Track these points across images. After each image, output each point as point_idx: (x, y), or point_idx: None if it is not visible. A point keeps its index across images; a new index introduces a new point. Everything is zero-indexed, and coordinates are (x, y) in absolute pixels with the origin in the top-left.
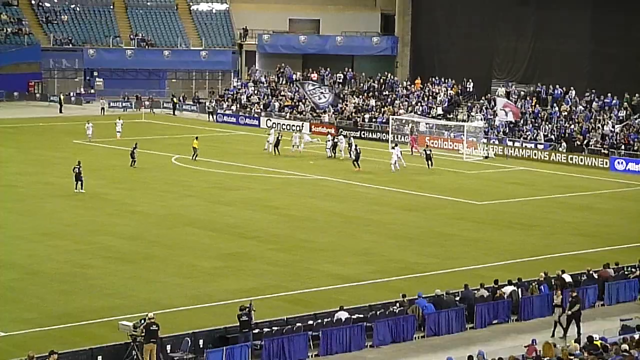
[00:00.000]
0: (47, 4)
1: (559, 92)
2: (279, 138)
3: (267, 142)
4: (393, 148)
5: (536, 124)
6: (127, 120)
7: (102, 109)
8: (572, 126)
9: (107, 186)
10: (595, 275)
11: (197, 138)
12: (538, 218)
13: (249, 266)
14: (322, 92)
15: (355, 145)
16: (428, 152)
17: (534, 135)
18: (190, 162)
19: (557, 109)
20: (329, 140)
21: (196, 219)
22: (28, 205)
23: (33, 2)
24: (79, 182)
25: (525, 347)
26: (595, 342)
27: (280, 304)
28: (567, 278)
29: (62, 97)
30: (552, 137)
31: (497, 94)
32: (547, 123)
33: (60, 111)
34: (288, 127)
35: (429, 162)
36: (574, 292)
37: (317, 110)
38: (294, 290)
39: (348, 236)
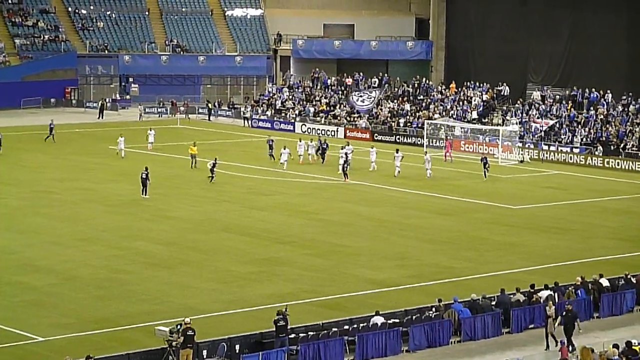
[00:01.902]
0: (84, 11)
1: (595, 96)
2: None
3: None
4: (425, 154)
5: (572, 128)
6: (163, 126)
7: (140, 115)
8: (609, 129)
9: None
10: (634, 280)
11: (194, 144)
12: (574, 222)
13: (284, 271)
14: (366, 97)
15: (345, 154)
16: (485, 161)
17: (570, 139)
18: (225, 167)
19: (593, 112)
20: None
21: (231, 224)
22: (64, 210)
23: (70, 9)
24: (145, 188)
25: (559, 350)
26: (634, 347)
27: (316, 308)
28: (605, 282)
29: (103, 102)
30: (588, 140)
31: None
32: (583, 127)
33: (102, 117)
34: (323, 132)
35: (485, 171)
36: (569, 306)
37: (353, 114)
38: (329, 295)
39: (383, 240)
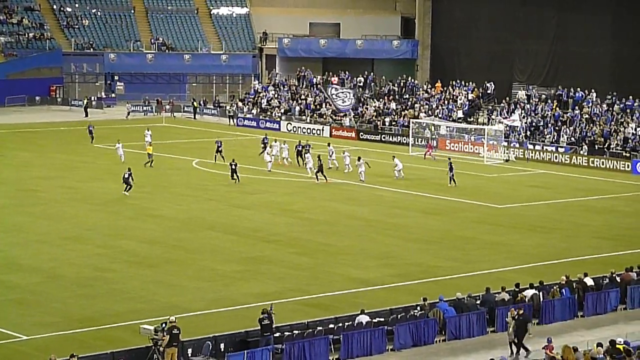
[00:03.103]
0: (69, 9)
1: (580, 95)
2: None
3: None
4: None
5: (557, 127)
6: (148, 125)
7: (128, 113)
8: (594, 129)
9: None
10: (618, 279)
11: (150, 144)
12: (559, 221)
13: (269, 270)
14: (345, 95)
15: (318, 156)
16: (450, 167)
17: (555, 139)
18: (210, 166)
19: (578, 112)
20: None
21: (217, 223)
22: (49, 209)
23: (54, 7)
24: (128, 186)
25: (543, 348)
26: (618, 346)
27: (301, 307)
28: (589, 281)
29: (86, 101)
30: (573, 140)
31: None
32: (568, 126)
33: (86, 115)
34: (309, 130)
35: (452, 180)
36: (520, 310)
37: (338, 114)
38: (315, 294)
39: (368, 240)
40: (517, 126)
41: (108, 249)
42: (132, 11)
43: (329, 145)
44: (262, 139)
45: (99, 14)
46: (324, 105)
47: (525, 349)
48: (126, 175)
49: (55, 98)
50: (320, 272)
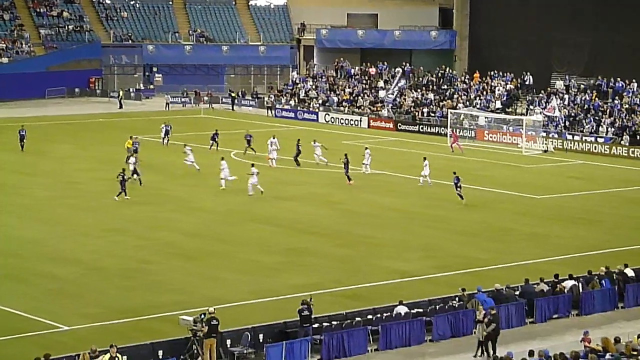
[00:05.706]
0: (108, 1)
1: (620, 85)
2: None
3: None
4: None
5: (596, 118)
6: (186, 116)
7: (167, 104)
8: (635, 119)
9: (167, 182)
10: None
11: (131, 137)
12: (599, 212)
13: (309, 261)
14: (391, 87)
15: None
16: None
17: (595, 129)
18: (246, 157)
19: (618, 102)
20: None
21: (257, 215)
22: (90, 201)
23: None
24: (124, 189)
25: (581, 341)
26: None
27: (340, 299)
28: (630, 272)
29: (122, 93)
30: (613, 130)
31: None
32: (608, 117)
33: (121, 107)
34: (347, 121)
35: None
36: (492, 310)
37: (376, 105)
38: (354, 285)
39: (408, 232)
40: (557, 116)
41: (149, 241)
42: (170, 3)
43: (314, 141)
44: (245, 135)
45: (137, 5)
46: (361, 97)
47: (486, 350)
48: (120, 178)
49: (94, 90)
50: (361, 264)
